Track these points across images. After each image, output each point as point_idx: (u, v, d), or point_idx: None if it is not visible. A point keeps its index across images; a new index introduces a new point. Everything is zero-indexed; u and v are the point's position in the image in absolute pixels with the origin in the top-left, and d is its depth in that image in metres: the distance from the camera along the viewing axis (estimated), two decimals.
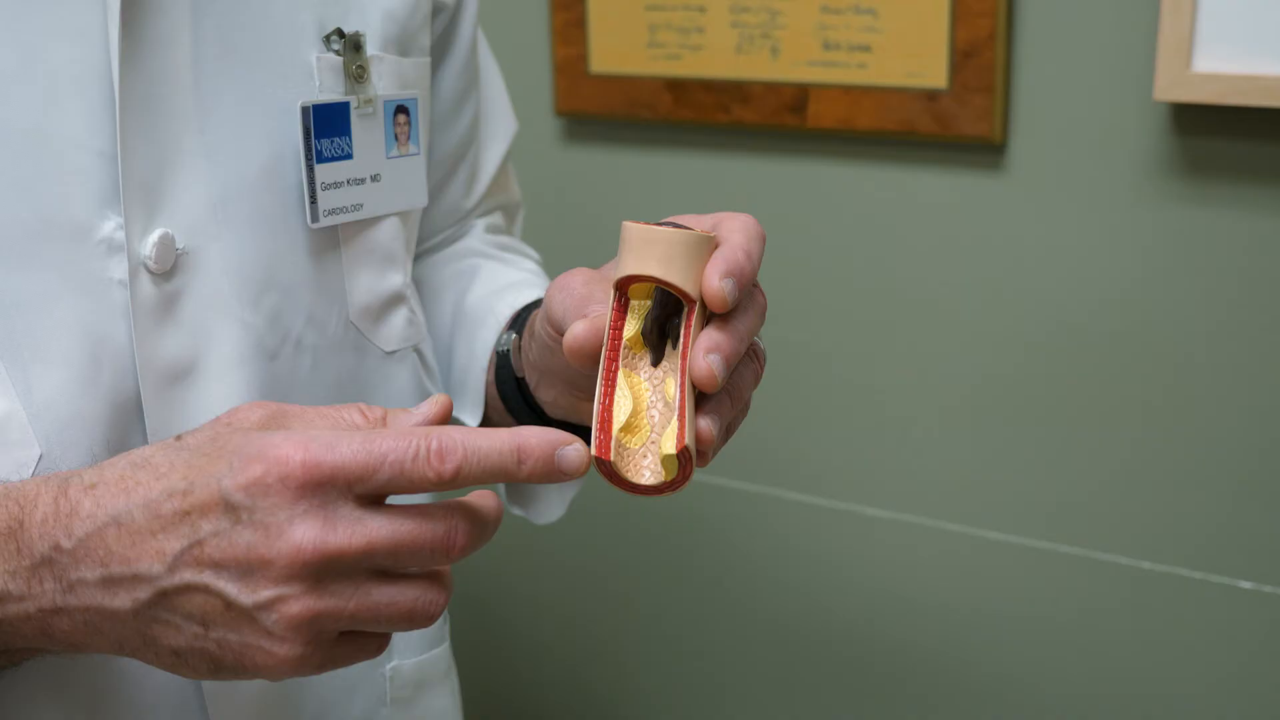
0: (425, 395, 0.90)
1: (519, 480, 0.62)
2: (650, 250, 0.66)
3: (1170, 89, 1.18)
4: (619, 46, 1.44)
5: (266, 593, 0.59)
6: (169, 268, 0.72)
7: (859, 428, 1.45)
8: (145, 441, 0.72)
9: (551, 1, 1.46)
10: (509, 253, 1.03)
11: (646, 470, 0.66)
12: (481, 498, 0.64)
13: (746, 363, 0.71)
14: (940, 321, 1.37)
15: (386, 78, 0.83)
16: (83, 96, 0.69)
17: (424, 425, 0.66)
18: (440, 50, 0.93)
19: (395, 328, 0.87)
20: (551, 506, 0.95)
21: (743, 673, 1.60)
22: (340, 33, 0.79)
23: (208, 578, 0.60)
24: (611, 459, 0.65)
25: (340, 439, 0.60)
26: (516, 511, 0.96)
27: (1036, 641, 1.41)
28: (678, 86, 1.42)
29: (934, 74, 1.29)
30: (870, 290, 1.40)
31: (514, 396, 0.87)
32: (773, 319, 1.39)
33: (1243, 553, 1.28)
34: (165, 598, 0.61)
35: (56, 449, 0.69)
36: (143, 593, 0.61)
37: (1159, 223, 1.25)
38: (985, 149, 1.31)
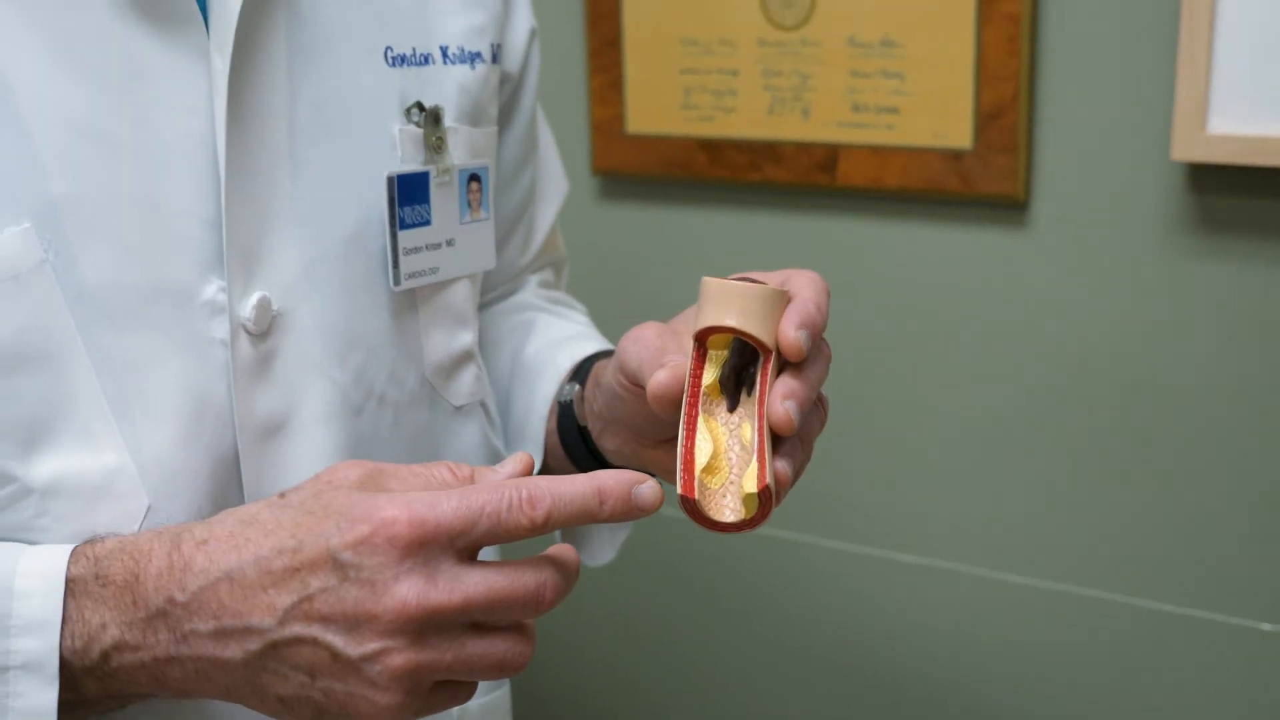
0: (491, 448, 0.95)
1: (600, 520, 0.67)
2: (729, 303, 0.71)
3: (1186, 149, 1.23)
4: (655, 108, 1.49)
5: (372, 645, 0.63)
6: (266, 328, 0.76)
7: (889, 477, 1.49)
8: (242, 494, 0.76)
9: (590, 64, 1.52)
10: (560, 306, 1.08)
11: (727, 509, 0.71)
12: (562, 551, 0.68)
13: (814, 410, 0.76)
14: (966, 373, 1.42)
15: (461, 147, 0.87)
16: (189, 167, 0.73)
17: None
18: (504, 118, 0.98)
19: (465, 384, 0.91)
20: (603, 549, 0.99)
21: (776, 716, 1.63)
22: (420, 106, 0.84)
23: (316, 630, 0.64)
24: (696, 497, 0.70)
25: (439, 498, 0.64)
26: None
27: (1064, 685, 1.44)
28: (711, 146, 1.47)
29: (959, 135, 1.34)
30: (898, 342, 1.45)
31: (577, 445, 0.91)
32: None
33: (1265, 595, 1.32)
34: (275, 649, 0.65)
35: (163, 501, 0.73)
36: (253, 644, 0.65)
37: (1176, 278, 1.30)
38: (1009, 207, 1.36)
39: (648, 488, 0.68)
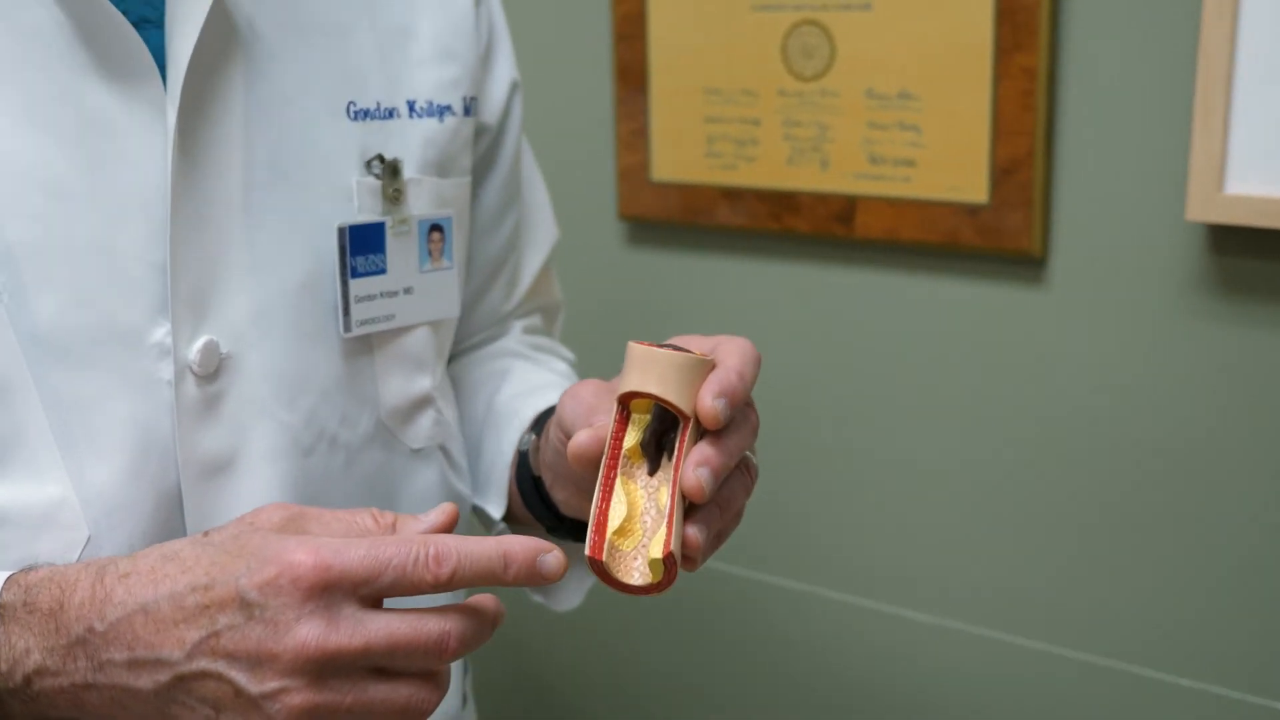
0: (451, 490, 0.96)
1: (505, 583, 0.68)
2: (651, 370, 0.73)
3: (1202, 210, 1.21)
4: (679, 156, 1.51)
5: (272, 684, 0.65)
6: (213, 370, 0.79)
7: (897, 531, 1.48)
8: (184, 528, 0.79)
9: (617, 112, 1.54)
10: (542, 353, 1.09)
11: (636, 571, 0.71)
12: (480, 601, 0.70)
13: (738, 476, 0.76)
14: (979, 428, 1.41)
15: (424, 198, 0.90)
16: (144, 215, 0.76)
17: (429, 532, 0.72)
18: (483, 167, 1.00)
19: (423, 427, 0.93)
20: (570, 595, 1.01)
21: None
22: (381, 158, 0.87)
23: (221, 666, 0.66)
24: (603, 559, 0.71)
25: (349, 545, 0.66)
26: (538, 599, 1.02)
27: None
28: (733, 194, 1.48)
29: (975, 189, 1.34)
30: (912, 395, 1.44)
31: (531, 494, 0.93)
32: (819, 421, 1.44)
33: (1262, 668, 1.30)
34: (182, 682, 0.67)
35: (103, 533, 0.76)
36: (163, 676, 0.67)
37: (1193, 337, 1.28)
38: (1025, 262, 1.35)
39: (552, 557, 0.69)
